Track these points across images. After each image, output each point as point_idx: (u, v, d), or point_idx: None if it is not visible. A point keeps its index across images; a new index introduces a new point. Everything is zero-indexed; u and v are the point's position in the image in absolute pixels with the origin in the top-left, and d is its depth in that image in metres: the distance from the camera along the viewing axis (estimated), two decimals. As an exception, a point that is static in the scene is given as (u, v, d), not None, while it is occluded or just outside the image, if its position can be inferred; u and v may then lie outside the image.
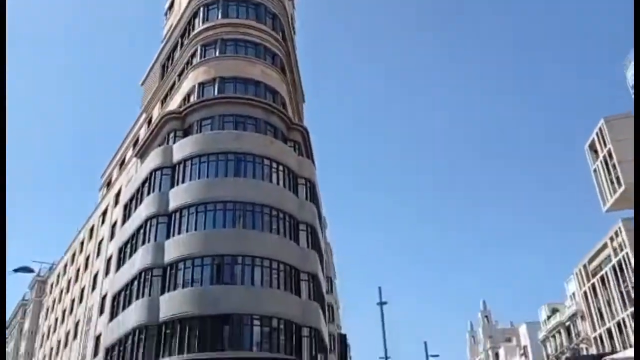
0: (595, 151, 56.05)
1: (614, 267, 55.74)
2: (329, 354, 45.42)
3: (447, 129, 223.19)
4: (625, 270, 53.35)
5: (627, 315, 53.37)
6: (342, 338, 61.94)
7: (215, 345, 29.06)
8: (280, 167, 35.65)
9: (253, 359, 28.81)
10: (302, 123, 41.47)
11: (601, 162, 54.48)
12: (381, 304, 28.67)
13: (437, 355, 37.59)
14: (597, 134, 54.94)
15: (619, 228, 54.09)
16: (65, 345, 49.73)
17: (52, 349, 55.18)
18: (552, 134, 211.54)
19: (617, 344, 56.22)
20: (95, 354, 38.68)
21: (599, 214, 56.47)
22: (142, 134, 43.05)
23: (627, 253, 52.74)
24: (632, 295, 52.05)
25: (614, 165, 52.35)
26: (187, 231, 32.42)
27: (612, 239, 56.31)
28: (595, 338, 61.18)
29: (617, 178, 52.13)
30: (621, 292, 54.81)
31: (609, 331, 57.68)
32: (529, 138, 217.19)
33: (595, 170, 55.77)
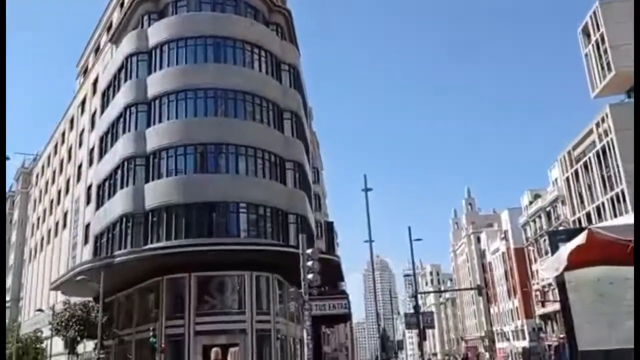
0: (588, 35, 54.53)
1: (597, 153, 56.28)
2: (316, 240, 46.71)
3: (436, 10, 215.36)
4: (608, 156, 53.91)
5: (607, 199, 54.77)
6: (329, 226, 63.91)
7: (202, 232, 29.42)
8: (263, 53, 34.15)
9: (240, 243, 29.27)
10: (284, 5, 39.16)
11: (593, 46, 53.15)
12: (366, 190, 28.75)
13: (420, 239, 38.66)
14: (591, 17, 53.06)
15: (606, 114, 53.88)
16: (56, 234, 50.52)
17: (42, 237, 56.18)
18: (545, 18, 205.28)
19: (594, 227, 58.29)
20: (86, 241, 39.30)
21: (588, 100, 56.10)
22: (116, 17, 40.60)
23: (612, 139, 52.97)
24: (614, 180, 53.11)
25: (605, 50, 51.18)
26: (167, 119, 31.64)
27: (598, 125, 56.30)
28: (574, 221, 63.31)
29: (608, 63, 51.13)
30: (603, 177, 55.83)
31: (588, 215, 59.54)
32: (521, 21, 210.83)
33: (586, 55, 54.60)
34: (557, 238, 8.02)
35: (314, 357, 46.83)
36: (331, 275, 41.27)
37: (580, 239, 5.42)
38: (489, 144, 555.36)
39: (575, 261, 5.80)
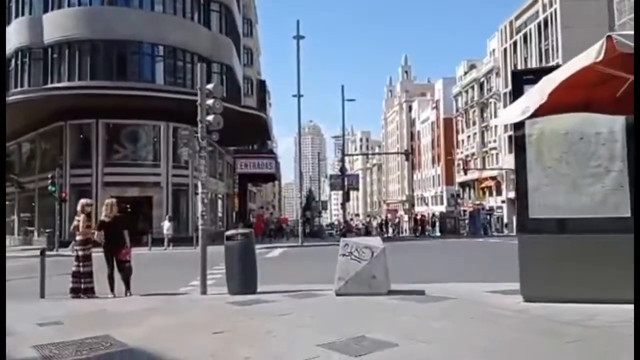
0: None
1: (539, 24, 55.06)
2: (245, 97, 44.19)
3: None
4: (549, 27, 52.86)
5: (540, 73, 54.70)
6: (261, 84, 61.30)
7: (111, 74, 26.16)
8: None
9: (155, 90, 26.39)
10: None
11: None
12: (298, 37, 26.04)
13: (353, 100, 36.98)
14: None
15: (554, -17, 51.86)
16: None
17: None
18: None
19: (523, 100, 58.86)
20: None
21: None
22: None
23: (555, 9, 51.56)
24: (550, 53, 52.62)
25: None
26: None
27: (544, -5, 54.44)
28: (505, 94, 63.61)
29: None
30: (540, 49, 55.25)
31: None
32: None
33: None
34: (524, 78, 6.30)
35: (239, 212, 47.01)
36: (259, 133, 39.56)
37: (589, 56, 3.57)
38: (431, 11, 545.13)
39: (552, 103, 4.12)
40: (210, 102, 8.41)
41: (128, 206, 28.51)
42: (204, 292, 8.02)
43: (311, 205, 43.78)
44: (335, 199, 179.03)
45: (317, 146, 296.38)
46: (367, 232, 42.63)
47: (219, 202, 38.15)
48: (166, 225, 24.52)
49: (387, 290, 7.02)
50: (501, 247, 22.34)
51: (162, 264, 16.90)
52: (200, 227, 8.44)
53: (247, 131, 34.80)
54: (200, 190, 8.60)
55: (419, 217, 55.47)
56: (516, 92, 5.93)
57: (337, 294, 7.08)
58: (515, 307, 5.86)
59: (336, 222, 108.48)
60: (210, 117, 8.39)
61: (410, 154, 65.15)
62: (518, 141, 5.93)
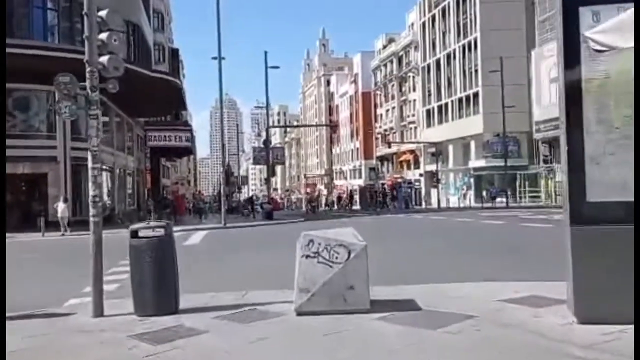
0: None
1: (458, -2, 54.80)
2: (156, 65, 40.48)
3: None
4: (467, 2, 52.68)
5: (458, 47, 54.66)
6: (174, 52, 57.73)
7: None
8: None
9: (48, 49, 22.54)
10: None
11: None
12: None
13: (277, 67, 34.45)
14: None
15: (475, -44, 51.53)
16: None
17: None
18: None
19: (442, 75, 58.94)
20: None
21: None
22: None
23: (474, -16, 51.34)
24: (468, 27, 52.60)
25: None
26: None
27: (464, -32, 54.10)
28: (423, 67, 63.43)
29: None
30: (458, 24, 55.10)
31: (438, 62, 59.64)
32: None
33: None
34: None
35: (152, 189, 43.45)
36: (173, 103, 36.19)
37: None
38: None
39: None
40: (103, 36, 5.87)
41: (23, 184, 24.86)
42: (98, 313, 5.55)
43: (229, 181, 41.21)
44: (254, 173, 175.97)
45: (234, 120, 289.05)
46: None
47: (128, 178, 34.65)
48: (61, 207, 21.13)
49: (368, 305, 5.03)
50: (448, 223, 21.20)
51: (52, 255, 13.96)
52: (91, 219, 5.82)
53: (159, 100, 31.54)
54: (90, 164, 6.00)
55: (338, 190, 54.70)
56: (569, 18, 4.00)
57: (299, 313, 4.94)
58: (575, 337, 3.95)
59: (254, 197, 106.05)
60: (104, 59, 5.86)
61: (336, 126, 63.75)
62: (570, 89, 4.03)
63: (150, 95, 27.76)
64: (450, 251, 11.72)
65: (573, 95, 4.18)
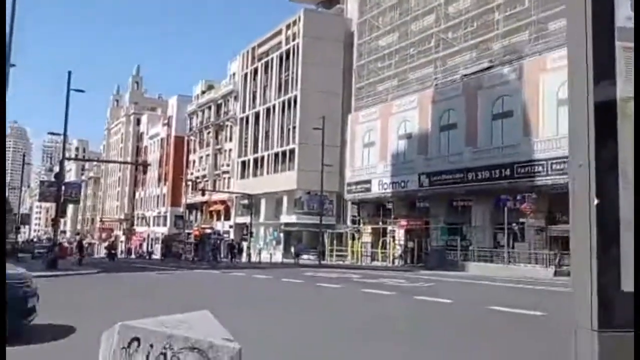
0: None
1: (281, 55, 55.79)
2: None
3: None
4: (290, 60, 53.87)
5: (278, 102, 55.23)
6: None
7: None
8: None
9: None
10: None
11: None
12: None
13: (82, 91, 30.06)
14: None
15: (299, 17, 53.34)
16: None
17: None
18: None
19: (260, 128, 58.81)
20: None
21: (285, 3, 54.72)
22: None
23: (298, 43, 52.83)
24: (290, 85, 53.55)
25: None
26: None
27: (288, 27, 55.58)
28: (242, 118, 62.83)
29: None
30: (280, 79, 55.92)
31: (257, 114, 59.53)
32: None
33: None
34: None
35: None
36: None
37: None
38: (169, 24, 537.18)
39: None
40: None
41: None
42: None
43: (11, 219, 34.52)
44: (39, 211, 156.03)
45: (20, 151, 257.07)
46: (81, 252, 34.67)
47: None
48: None
49: None
50: (286, 289, 19.05)
51: None
52: None
53: None
54: None
55: (138, 238, 49.83)
56: (598, 4, 2.54)
57: None
58: None
59: (36, 240, 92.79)
60: None
61: (147, 165, 59.21)
62: (599, 111, 2.53)
63: None
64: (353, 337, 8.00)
65: (603, 121, 2.57)
